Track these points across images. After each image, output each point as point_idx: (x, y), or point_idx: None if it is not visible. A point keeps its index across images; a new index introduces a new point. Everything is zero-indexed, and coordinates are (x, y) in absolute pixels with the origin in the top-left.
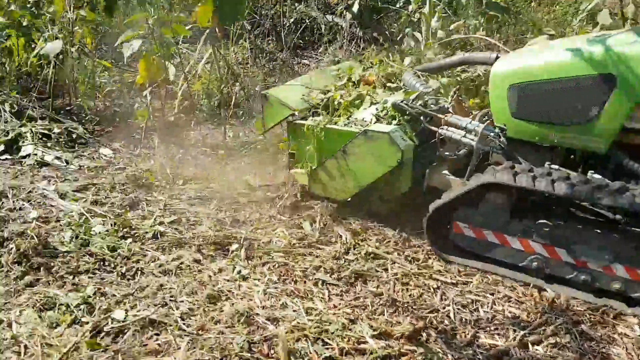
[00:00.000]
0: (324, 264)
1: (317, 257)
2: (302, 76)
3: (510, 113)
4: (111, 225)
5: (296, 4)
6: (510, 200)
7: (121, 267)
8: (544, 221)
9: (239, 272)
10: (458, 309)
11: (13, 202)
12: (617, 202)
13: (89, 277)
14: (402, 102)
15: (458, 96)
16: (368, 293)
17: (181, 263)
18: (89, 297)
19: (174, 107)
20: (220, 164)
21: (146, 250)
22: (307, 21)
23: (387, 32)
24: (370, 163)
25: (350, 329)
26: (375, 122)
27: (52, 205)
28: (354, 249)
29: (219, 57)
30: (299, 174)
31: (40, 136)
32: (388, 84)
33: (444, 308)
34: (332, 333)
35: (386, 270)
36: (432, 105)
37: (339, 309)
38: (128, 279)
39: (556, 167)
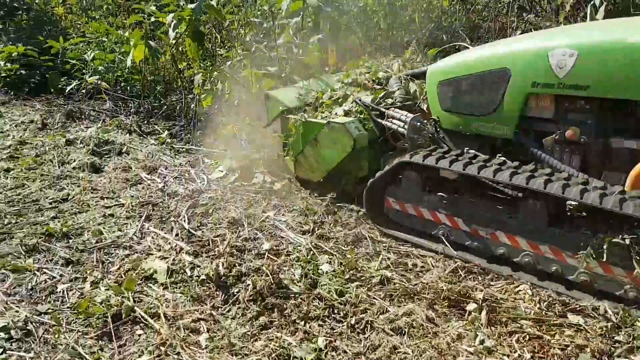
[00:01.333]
0: (590, 342)
1: (578, 330)
2: (307, 80)
3: (440, 106)
4: (338, 264)
5: (524, 14)
6: (423, 177)
7: (350, 316)
8: (443, 194)
9: (482, 341)
10: None
11: (248, 231)
12: (494, 177)
13: (319, 325)
14: (359, 99)
15: None
16: None
17: (413, 320)
18: (321, 350)
19: None
20: None
21: (374, 298)
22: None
23: None
24: (333, 149)
25: None
26: (342, 116)
27: (282, 237)
28: (625, 325)
29: None
30: (289, 160)
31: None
32: (375, 86)
33: None
34: None
35: None
36: (398, 103)
37: None
38: (358, 333)
39: (472, 151)
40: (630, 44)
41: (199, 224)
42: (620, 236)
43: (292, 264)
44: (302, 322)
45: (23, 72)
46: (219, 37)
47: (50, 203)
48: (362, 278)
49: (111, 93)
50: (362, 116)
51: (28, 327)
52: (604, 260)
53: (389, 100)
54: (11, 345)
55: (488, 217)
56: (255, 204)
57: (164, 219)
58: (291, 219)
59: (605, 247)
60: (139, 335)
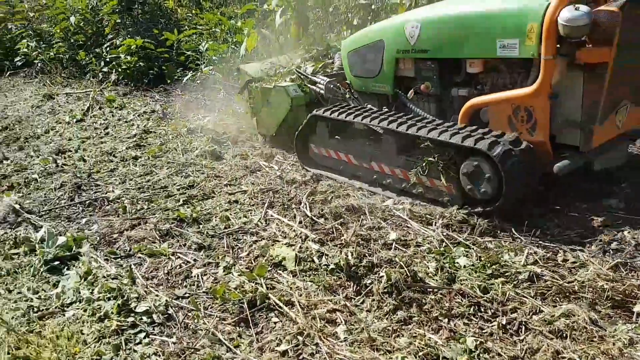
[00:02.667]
0: None
1: None
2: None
3: (350, 72)
4: (476, 258)
5: None
6: (330, 125)
7: (500, 316)
8: (339, 138)
9: None
10: None
11: (371, 219)
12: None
13: (464, 324)
14: (297, 69)
15: None
16: None
17: (573, 322)
18: (472, 351)
19: None
20: None
21: (523, 296)
22: None
23: None
24: (279, 108)
25: None
26: (289, 82)
27: (408, 227)
28: None
29: None
30: (254, 120)
31: None
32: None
33: None
34: None
35: None
36: (334, 72)
37: None
38: (511, 334)
39: (369, 106)
40: (454, 16)
41: (320, 212)
42: (433, 156)
43: (424, 255)
44: (446, 320)
45: (142, 64)
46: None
47: (178, 189)
48: (506, 274)
49: (225, 83)
50: (304, 82)
51: (169, 312)
52: (426, 174)
53: (328, 70)
54: (154, 329)
55: (367, 152)
56: (373, 194)
57: (286, 206)
58: (410, 206)
59: (425, 165)
60: (275, 323)
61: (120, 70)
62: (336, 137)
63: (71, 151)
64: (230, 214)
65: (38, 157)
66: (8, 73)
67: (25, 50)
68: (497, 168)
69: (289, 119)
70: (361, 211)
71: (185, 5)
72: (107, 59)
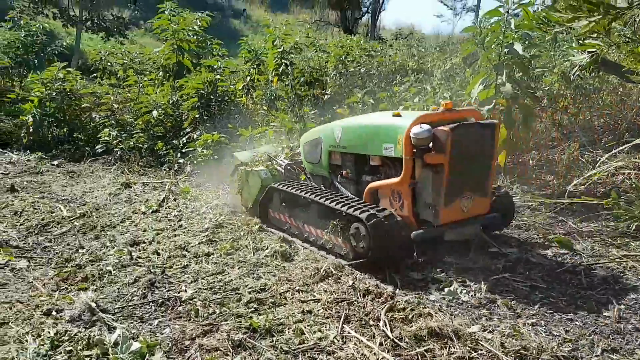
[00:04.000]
0: None
1: None
2: (265, 145)
3: (305, 158)
4: None
5: None
6: (280, 195)
7: None
8: (284, 204)
9: None
10: None
11: (459, 347)
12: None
13: None
14: (269, 154)
15: None
16: None
17: None
18: None
19: None
20: None
21: None
22: None
23: None
24: (254, 187)
25: None
26: (263, 167)
27: (487, 351)
28: None
29: None
30: (240, 196)
31: None
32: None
33: None
34: None
35: None
36: (292, 158)
37: None
38: None
39: (311, 183)
40: (360, 125)
41: (401, 332)
42: (335, 221)
43: None
44: None
45: (216, 157)
46: None
47: (249, 292)
48: None
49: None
50: (274, 167)
51: None
52: (332, 234)
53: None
54: None
55: (301, 217)
56: (459, 314)
57: (363, 322)
58: (500, 337)
59: (330, 227)
60: None
61: (195, 162)
62: (283, 204)
63: (145, 242)
64: (304, 326)
65: (113, 247)
66: (88, 159)
67: (107, 138)
68: (367, 229)
69: (260, 196)
70: (447, 336)
71: (257, 102)
72: (184, 151)
